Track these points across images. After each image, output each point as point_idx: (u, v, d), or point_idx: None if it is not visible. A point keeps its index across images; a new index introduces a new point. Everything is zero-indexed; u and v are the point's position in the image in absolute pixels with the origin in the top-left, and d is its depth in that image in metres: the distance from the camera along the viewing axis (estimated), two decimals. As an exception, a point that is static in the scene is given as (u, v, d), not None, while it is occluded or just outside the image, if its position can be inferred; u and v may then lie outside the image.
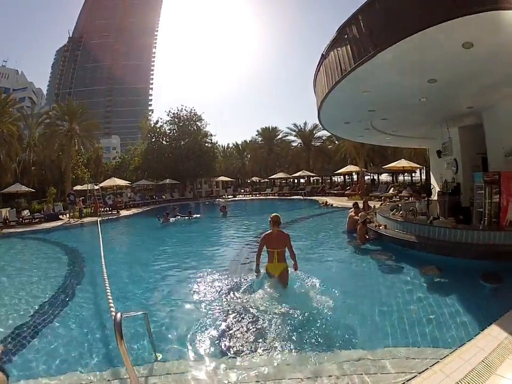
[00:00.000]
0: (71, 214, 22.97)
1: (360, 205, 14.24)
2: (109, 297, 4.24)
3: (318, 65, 9.19)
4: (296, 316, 5.18)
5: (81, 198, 26.27)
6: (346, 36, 7.11)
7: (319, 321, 5.10)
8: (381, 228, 10.25)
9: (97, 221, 18.62)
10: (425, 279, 6.92)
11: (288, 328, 4.86)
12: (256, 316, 5.23)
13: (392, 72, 7.31)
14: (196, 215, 20.48)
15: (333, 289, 6.27)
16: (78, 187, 31.26)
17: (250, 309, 5.47)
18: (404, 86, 8.20)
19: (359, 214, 10.76)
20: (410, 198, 22.31)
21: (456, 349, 4.01)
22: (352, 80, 7.49)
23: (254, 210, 28.25)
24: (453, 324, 4.84)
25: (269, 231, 6.30)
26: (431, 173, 19.13)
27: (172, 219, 19.06)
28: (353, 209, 12.67)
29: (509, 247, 7.40)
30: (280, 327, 4.87)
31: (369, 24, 6.47)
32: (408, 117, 11.68)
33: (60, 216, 22.95)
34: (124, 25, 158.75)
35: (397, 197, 23.79)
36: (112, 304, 3.99)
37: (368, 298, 6.12)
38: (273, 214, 6.29)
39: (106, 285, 4.80)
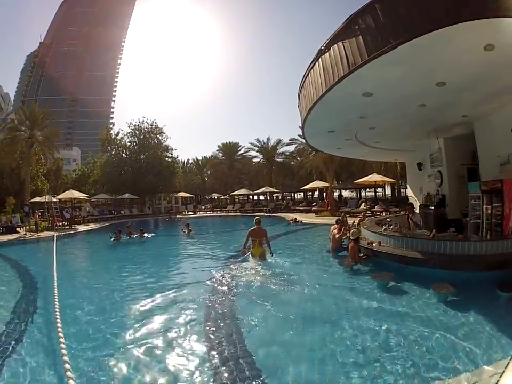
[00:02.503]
0: (27, 227, 21.80)
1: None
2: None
3: (311, 63, 8.38)
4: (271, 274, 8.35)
5: (40, 211, 25.03)
6: (357, 27, 6.42)
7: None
8: (374, 245, 9.43)
9: (53, 236, 17.15)
10: (439, 298, 6.15)
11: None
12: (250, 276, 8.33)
13: (403, 70, 6.71)
14: (148, 234, 18.44)
15: (332, 325, 5.31)
16: (37, 198, 29.47)
17: (245, 271, 8.80)
18: (409, 88, 7.67)
19: (351, 231, 9.75)
20: (383, 213, 22.45)
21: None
22: (357, 78, 6.80)
23: (218, 228, 26.75)
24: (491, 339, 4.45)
25: (253, 227, 9.76)
26: (408, 186, 19.07)
27: (124, 237, 17.41)
28: (336, 225, 11.73)
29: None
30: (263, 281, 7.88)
31: (391, 14, 5.86)
32: (398, 126, 11.22)
33: (17, 229, 22.07)
34: (92, 35, 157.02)
35: (369, 212, 23.43)
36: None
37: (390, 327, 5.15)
38: (256, 217, 10.50)
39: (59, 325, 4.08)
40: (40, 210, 26.80)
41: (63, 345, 3.48)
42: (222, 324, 5.58)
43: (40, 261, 13.05)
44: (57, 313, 4.48)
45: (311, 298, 6.68)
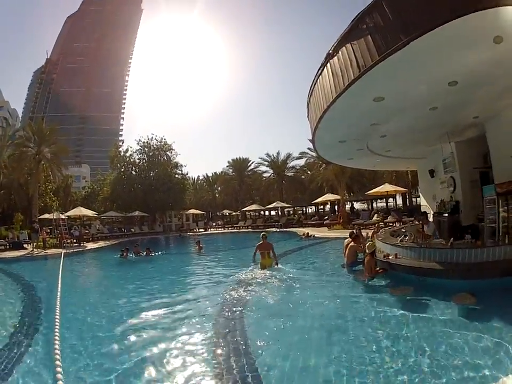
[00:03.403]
0: (34, 244, 21.74)
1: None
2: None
3: (320, 69, 8.21)
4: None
5: (48, 228, 25.09)
6: (365, 26, 6.24)
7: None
8: (390, 257, 9.07)
9: (61, 253, 17.22)
10: (460, 311, 5.80)
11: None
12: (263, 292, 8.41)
13: (415, 70, 6.50)
14: (154, 253, 17.89)
15: (352, 344, 4.92)
16: (46, 215, 29.60)
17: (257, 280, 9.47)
18: (420, 90, 7.43)
19: (367, 244, 9.30)
20: (396, 223, 21.98)
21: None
22: (368, 81, 6.57)
23: (229, 245, 25.93)
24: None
25: (261, 241, 10.77)
26: (420, 195, 18.69)
27: (131, 256, 17.16)
28: (349, 239, 11.37)
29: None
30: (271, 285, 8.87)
31: (399, 9, 5.68)
32: (410, 131, 11.00)
33: (24, 245, 22.21)
34: (99, 51, 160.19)
35: (382, 223, 22.91)
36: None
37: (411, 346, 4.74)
38: (263, 233, 11.38)
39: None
40: (49, 227, 26.88)
41: (58, 362, 3.60)
42: (232, 340, 5.32)
43: (45, 278, 12.88)
44: (57, 332, 4.38)
45: (328, 316, 6.33)
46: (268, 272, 10.06)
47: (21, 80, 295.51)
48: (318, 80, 8.65)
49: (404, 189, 29.37)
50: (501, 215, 8.53)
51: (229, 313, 6.85)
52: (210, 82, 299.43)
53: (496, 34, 5.35)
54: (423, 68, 6.45)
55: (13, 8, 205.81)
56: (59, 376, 3.53)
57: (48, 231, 26.41)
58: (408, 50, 5.51)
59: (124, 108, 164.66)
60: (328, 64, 7.67)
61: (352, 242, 10.68)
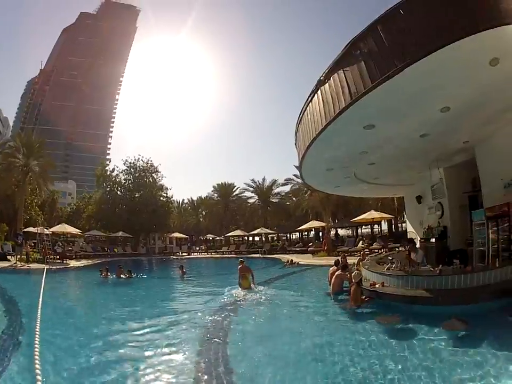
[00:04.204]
0: (18, 256, 21.63)
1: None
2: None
3: (310, 96, 8.25)
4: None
5: (33, 241, 24.98)
6: (358, 52, 6.28)
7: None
8: (376, 286, 9.01)
9: (44, 269, 16.70)
10: (451, 337, 5.68)
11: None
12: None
13: (408, 96, 6.56)
14: (134, 274, 17.23)
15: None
16: (31, 229, 29.05)
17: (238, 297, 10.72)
18: (412, 117, 7.54)
19: (353, 274, 9.24)
20: (382, 250, 22.00)
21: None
22: (359, 108, 6.59)
23: (213, 270, 25.64)
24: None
25: (240, 265, 12.30)
26: (407, 221, 18.83)
27: (112, 277, 16.81)
28: (334, 267, 11.29)
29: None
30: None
31: (394, 34, 5.75)
32: (399, 159, 11.17)
33: (8, 257, 22.21)
34: (93, 67, 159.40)
35: (367, 250, 22.86)
36: None
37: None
38: (240, 259, 13.23)
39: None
40: (33, 241, 26.63)
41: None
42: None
43: (26, 293, 12.50)
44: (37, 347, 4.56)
45: (312, 346, 6.12)
46: (250, 296, 10.84)
47: (15, 88, 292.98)
48: (308, 107, 8.66)
49: (390, 216, 29.58)
50: (491, 237, 8.67)
51: (210, 341, 6.55)
52: (197, 106, 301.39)
53: (492, 57, 5.44)
54: (417, 94, 6.48)
55: (9, 15, 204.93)
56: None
57: (32, 244, 26.09)
58: (402, 77, 5.55)
59: (113, 126, 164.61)
60: (319, 91, 7.68)
61: (339, 271, 10.59)
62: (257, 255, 32.16)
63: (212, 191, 56.56)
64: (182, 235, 45.18)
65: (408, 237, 14.35)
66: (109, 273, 16.83)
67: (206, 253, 40.63)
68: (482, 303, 6.76)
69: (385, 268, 9.83)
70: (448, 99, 6.81)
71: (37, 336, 5.60)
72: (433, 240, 12.18)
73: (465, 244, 10.58)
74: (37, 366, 4.19)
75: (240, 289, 11.63)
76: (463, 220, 11.36)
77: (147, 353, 5.92)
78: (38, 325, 6.00)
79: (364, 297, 8.71)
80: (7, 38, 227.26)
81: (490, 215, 8.65)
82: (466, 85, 6.38)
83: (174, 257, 35.33)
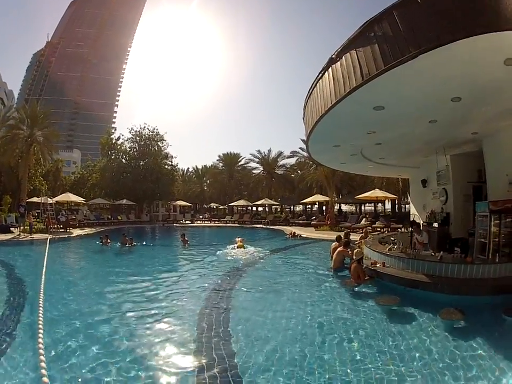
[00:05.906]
0: (21, 227, 21.56)
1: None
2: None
3: (320, 73, 8.03)
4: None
5: (36, 211, 25.04)
6: (373, 34, 6.06)
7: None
8: (377, 265, 9.03)
9: (47, 238, 17.03)
10: (447, 326, 5.72)
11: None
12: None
13: (420, 83, 6.40)
14: (135, 243, 17.34)
15: (332, 355, 4.85)
16: (34, 199, 29.22)
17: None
18: (423, 102, 7.36)
19: (355, 251, 9.26)
20: (384, 229, 22.06)
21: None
22: (370, 90, 6.43)
23: (216, 240, 24.96)
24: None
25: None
26: (410, 203, 18.75)
27: (114, 244, 17.12)
28: (336, 243, 11.29)
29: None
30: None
31: (410, 21, 5.52)
32: (406, 142, 10.99)
33: (11, 229, 21.96)
34: (99, 38, 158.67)
35: (369, 228, 22.91)
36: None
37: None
38: (239, 238, 17.01)
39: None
40: (37, 211, 26.68)
41: (41, 351, 3.75)
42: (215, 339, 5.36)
43: (29, 264, 12.92)
44: (41, 318, 4.81)
45: (310, 322, 6.24)
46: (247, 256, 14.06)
47: (20, 61, 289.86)
48: (318, 84, 8.46)
49: (394, 196, 29.50)
50: (492, 230, 8.56)
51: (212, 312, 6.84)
52: (205, 77, 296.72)
53: (507, 57, 5.31)
54: (429, 82, 6.35)
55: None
56: (42, 364, 3.61)
57: (36, 214, 26.07)
58: (416, 63, 5.40)
59: (119, 95, 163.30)
60: (330, 69, 7.48)
61: (342, 247, 10.64)
62: (260, 226, 32.44)
63: (217, 160, 56.70)
64: (185, 203, 45.26)
65: (411, 219, 14.32)
66: (109, 241, 17.10)
67: (209, 222, 40.68)
68: (480, 296, 6.82)
69: (387, 248, 9.82)
70: (460, 91, 6.66)
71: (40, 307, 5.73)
72: (435, 225, 12.15)
73: (467, 233, 10.50)
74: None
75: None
76: (466, 209, 11.32)
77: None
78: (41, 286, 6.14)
79: (366, 277, 8.73)
80: (13, 13, 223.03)
81: (494, 208, 8.53)
82: (478, 81, 6.25)
83: (177, 225, 35.42)
